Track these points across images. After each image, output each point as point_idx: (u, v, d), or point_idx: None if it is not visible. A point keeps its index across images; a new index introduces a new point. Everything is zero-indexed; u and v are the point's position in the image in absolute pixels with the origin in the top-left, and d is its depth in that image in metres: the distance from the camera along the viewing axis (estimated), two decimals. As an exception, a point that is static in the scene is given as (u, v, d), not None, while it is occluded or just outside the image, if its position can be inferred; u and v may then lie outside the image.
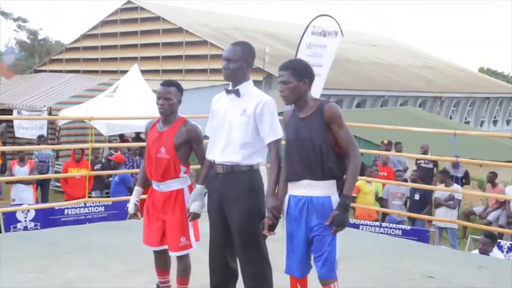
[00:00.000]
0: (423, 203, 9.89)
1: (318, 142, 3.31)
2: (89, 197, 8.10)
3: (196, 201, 3.74)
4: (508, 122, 41.72)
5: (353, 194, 9.41)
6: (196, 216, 3.76)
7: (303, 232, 3.36)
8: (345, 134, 3.32)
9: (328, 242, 3.29)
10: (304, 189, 3.35)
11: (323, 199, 3.32)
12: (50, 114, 15.12)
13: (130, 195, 7.13)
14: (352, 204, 9.16)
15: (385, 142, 12.19)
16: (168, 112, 3.85)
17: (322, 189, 3.32)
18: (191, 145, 3.86)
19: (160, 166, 3.86)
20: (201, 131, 3.96)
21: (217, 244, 3.72)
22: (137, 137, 15.41)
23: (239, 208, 3.57)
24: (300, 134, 3.37)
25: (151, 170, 3.92)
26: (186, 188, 3.92)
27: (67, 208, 7.70)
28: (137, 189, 4.09)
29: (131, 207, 4.04)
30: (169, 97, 3.82)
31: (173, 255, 3.93)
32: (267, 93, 3.75)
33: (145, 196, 4.59)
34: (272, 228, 3.43)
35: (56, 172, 13.74)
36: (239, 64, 3.60)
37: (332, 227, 3.26)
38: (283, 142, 3.57)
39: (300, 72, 3.38)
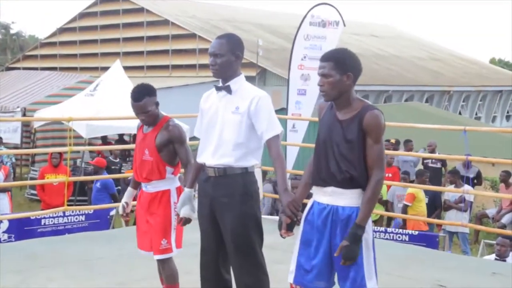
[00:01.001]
0: (432, 206, 9.86)
1: (351, 151, 3.19)
2: (69, 205, 8.07)
3: (186, 206, 3.76)
4: (522, 117, 41.86)
5: (407, 203, 9.26)
6: (187, 221, 3.79)
7: (327, 245, 3.24)
8: (376, 152, 3.19)
9: (353, 264, 3.16)
10: (330, 196, 3.25)
11: (350, 211, 3.20)
12: (24, 115, 15.07)
13: (113, 202, 7.19)
14: (404, 216, 9.05)
15: (392, 141, 12.16)
16: (150, 122, 4.02)
17: (349, 199, 3.21)
18: (174, 145, 3.97)
19: (144, 168, 4.03)
20: (184, 131, 4.09)
21: (209, 253, 3.71)
22: (120, 139, 15.40)
23: (232, 214, 3.56)
24: (334, 137, 3.24)
25: (137, 171, 4.11)
26: (173, 189, 4.06)
27: (44, 217, 7.66)
28: (128, 190, 4.28)
29: (120, 208, 4.25)
30: (146, 109, 3.95)
31: (156, 258, 4.03)
32: (261, 89, 3.73)
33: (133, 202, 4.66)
34: (290, 227, 3.32)
35: (32, 178, 13.69)
36: (226, 58, 3.59)
37: (340, 259, 3.14)
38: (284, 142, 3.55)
39: (344, 64, 3.21)
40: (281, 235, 3.36)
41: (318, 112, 3.46)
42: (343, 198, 3.22)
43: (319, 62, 3.30)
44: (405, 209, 9.41)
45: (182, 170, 4.09)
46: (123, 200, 4.25)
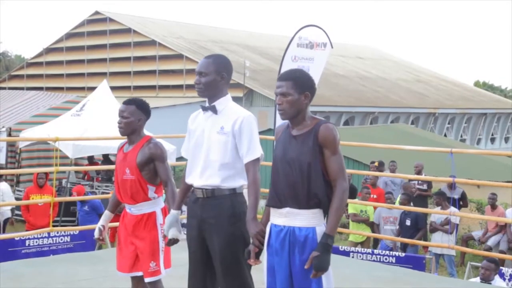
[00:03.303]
0: (414, 229, 9.83)
1: (307, 165, 3.22)
2: (55, 226, 7.99)
3: (173, 227, 3.74)
4: (506, 139, 42.27)
5: None
6: (175, 241, 3.76)
7: (286, 267, 3.27)
8: (336, 162, 3.24)
9: (314, 280, 3.19)
10: (285, 217, 3.28)
11: (306, 231, 3.23)
12: (9, 135, 14.95)
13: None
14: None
15: (376, 164, 12.19)
16: (125, 131, 4.01)
17: (305, 219, 3.24)
18: (154, 164, 3.94)
19: (126, 188, 3.98)
20: (165, 149, 4.07)
21: (197, 275, 3.69)
22: (106, 159, 15.31)
23: (220, 235, 3.56)
24: (289, 154, 3.29)
25: (120, 192, 4.04)
26: (158, 211, 4.02)
27: (29, 238, 7.58)
28: (105, 213, 4.21)
29: (95, 231, 4.16)
30: (125, 115, 3.98)
31: (146, 280, 3.99)
32: (248, 110, 3.75)
33: (115, 224, 4.58)
34: (258, 255, 3.39)
35: (17, 198, 13.56)
36: (211, 78, 3.61)
37: (312, 271, 3.15)
38: (264, 163, 3.56)
39: (302, 84, 3.30)
40: (249, 264, 3.42)
41: (275, 137, 3.51)
42: (299, 219, 3.25)
43: (277, 81, 3.37)
44: None
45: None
46: (100, 223, 4.17)
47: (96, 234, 4.15)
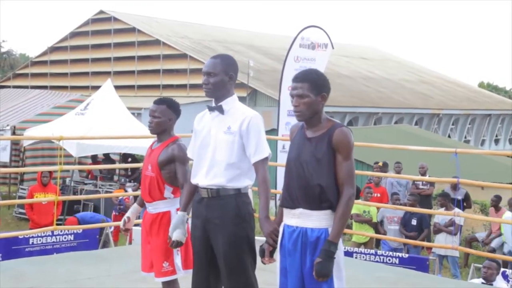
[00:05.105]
0: (419, 229, 9.85)
1: (320, 168, 3.21)
2: (58, 224, 8.00)
3: (178, 229, 3.74)
4: (510, 141, 42.19)
5: None
6: (179, 244, 3.76)
7: (298, 268, 3.26)
8: (347, 168, 3.22)
9: (325, 282, 3.18)
10: (298, 218, 3.27)
11: (319, 232, 3.23)
12: (14, 133, 14.98)
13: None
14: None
15: (380, 164, 12.16)
16: (155, 130, 4.07)
17: (318, 220, 3.23)
18: (175, 164, 3.96)
19: (146, 184, 4.05)
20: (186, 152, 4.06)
21: (201, 276, 3.69)
22: (107, 159, 15.33)
23: (224, 236, 3.56)
24: (303, 155, 3.28)
25: (142, 188, 4.13)
26: (173, 210, 4.02)
27: (33, 237, 7.59)
28: (134, 206, 4.29)
29: (121, 222, 4.26)
30: (156, 115, 4.04)
31: (157, 281, 4.01)
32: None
33: (117, 223, 4.65)
34: (272, 254, 3.39)
35: (21, 197, 13.58)
36: (220, 78, 3.61)
37: (312, 277, 3.16)
38: (269, 163, 3.55)
39: (319, 86, 3.28)
40: (263, 262, 3.41)
41: (290, 136, 3.50)
42: (311, 220, 3.24)
43: (293, 83, 3.33)
44: None
45: None
46: (126, 214, 4.26)
47: (121, 225, 4.24)
